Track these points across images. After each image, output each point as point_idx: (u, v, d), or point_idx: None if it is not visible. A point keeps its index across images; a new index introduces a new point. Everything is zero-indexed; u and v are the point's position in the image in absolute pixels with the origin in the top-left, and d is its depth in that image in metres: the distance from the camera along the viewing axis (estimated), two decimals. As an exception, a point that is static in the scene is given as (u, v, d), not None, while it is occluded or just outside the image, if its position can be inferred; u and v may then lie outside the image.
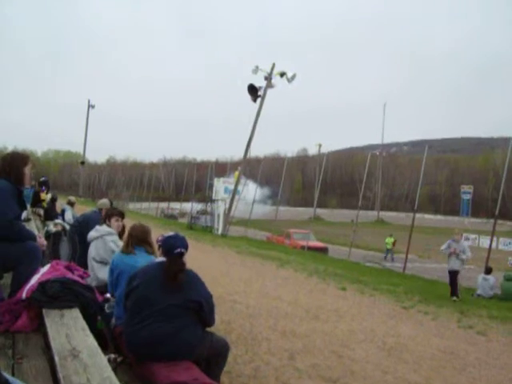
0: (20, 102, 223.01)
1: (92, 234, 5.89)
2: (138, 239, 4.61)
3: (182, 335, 3.45)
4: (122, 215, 6.26)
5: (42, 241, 4.59)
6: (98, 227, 5.98)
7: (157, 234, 4.86)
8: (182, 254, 3.67)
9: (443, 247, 12.98)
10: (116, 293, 4.38)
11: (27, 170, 4.34)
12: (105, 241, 5.75)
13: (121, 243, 5.76)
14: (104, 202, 7.88)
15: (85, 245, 6.49)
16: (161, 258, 3.79)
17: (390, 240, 28.35)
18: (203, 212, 34.98)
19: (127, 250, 4.56)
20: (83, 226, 7.40)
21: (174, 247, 3.69)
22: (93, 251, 5.81)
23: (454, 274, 12.66)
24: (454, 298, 12.24)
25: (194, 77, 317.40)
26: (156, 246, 4.08)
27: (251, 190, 34.14)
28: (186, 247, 3.73)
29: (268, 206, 52.86)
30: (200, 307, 3.59)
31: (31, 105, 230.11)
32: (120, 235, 6.17)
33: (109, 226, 5.97)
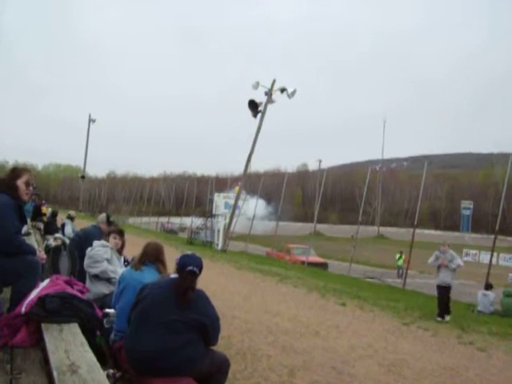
0: (20, 117, 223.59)
1: (89, 249, 5.95)
2: (151, 256, 4.63)
3: (184, 351, 3.45)
4: (120, 233, 6.29)
5: (41, 255, 4.60)
6: (94, 242, 6.05)
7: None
8: (193, 273, 3.69)
9: (430, 260, 12.02)
10: (118, 305, 4.38)
11: (20, 183, 4.37)
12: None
13: (108, 253, 5.81)
14: (101, 216, 7.91)
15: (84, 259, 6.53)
16: (174, 275, 3.81)
17: (401, 258, 27.85)
18: (203, 227, 34.95)
19: (136, 266, 4.58)
20: (83, 240, 7.41)
21: (186, 265, 3.71)
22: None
23: (444, 290, 11.63)
24: (439, 318, 11.09)
25: (195, 92, 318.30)
26: (172, 266, 4.08)
27: (253, 206, 34.14)
28: (199, 267, 3.74)
29: (272, 221, 52.84)
30: (204, 328, 3.60)
31: (31, 119, 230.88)
32: (119, 252, 6.20)
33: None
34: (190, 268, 3.68)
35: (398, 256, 28.32)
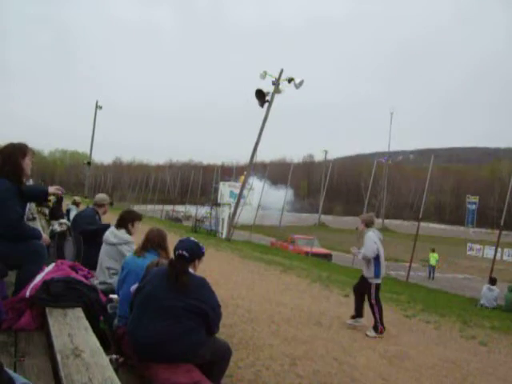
0: (28, 100, 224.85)
1: (111, 239, 5.67)
2: (154, 243, 4.64)
3: (186, 338, 3.46)
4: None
5: (45, 237, 4.59)
6: (116, 232, 5.72)
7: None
8: (181, 256, 3.68)
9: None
10: (121, 291, 4.40)
11: (28, 160, 4.29)
12: (120, 250, 5.58)
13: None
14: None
15: (88, 245, 6.55)
16: None
17: (434, 256, 25.73)
18: (208, 215, 34.99)
19: (139, 252, 4.59)
20: (74, 223, 7.49)
21: (175, 249, 3.72)
22: (105, 256, 5.64)
23: (362, 283, 8.81)
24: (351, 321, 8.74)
25: (203, 83, 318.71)
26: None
27: (269, 196, 34.02)
28: (188, 250, 3.71)
29: (289, 212, 52.52)
30: (205, 315, 3.60)
31: (40, 104, 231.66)
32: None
33: (130, 230, 5.79)
34: (177, 252, 3.69)
35: (431, 255, 26.07)
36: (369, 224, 8.87)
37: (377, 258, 8.51)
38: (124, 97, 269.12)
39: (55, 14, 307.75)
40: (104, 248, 5.72)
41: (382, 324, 8.31)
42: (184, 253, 3.67)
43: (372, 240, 8.52)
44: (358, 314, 8.81)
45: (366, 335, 8.19)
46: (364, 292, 8.70)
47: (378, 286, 8.59)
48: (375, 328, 8.29)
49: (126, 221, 5.79)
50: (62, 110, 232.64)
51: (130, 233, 5.72)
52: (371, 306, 8.48)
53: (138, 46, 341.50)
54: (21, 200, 4.22)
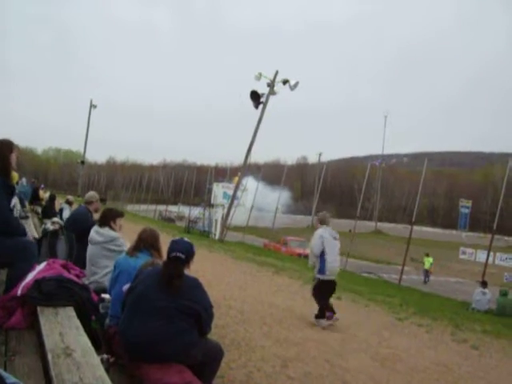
0: (28, 100, 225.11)
1: (97, 238, 5.68)
2: (146, 243, 4.61)
3: (178, 338, 3.44)
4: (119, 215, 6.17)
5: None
6: (101, 231, 5.74)
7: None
8: (177, 258, 3.65)
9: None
10: (113, 291, 4.37)
11: (14, 156, 4.28)
12: (108, 248, 5.61)
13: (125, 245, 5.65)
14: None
15: (80, 244, 6.50)
16: None
17: (428, 260, 26.28)
18: (201, 216, 34.97)
19: (131, 252, 4.56)
20: (71, 223, 7.45)
21: (170, 251, 3.67)
22: (94, 256, 5.63)
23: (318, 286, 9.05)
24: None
25: (200, 81, 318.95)
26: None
27: (263, 197, 33.98)
28: (184, 252, 3.67)
29: (286, 214, 52.27)
30: (197, 315, 3.58)
31: (39, 104, 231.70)
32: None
33: (113, 227, 5.84)
34: (173, 254, 3.63)
35: (425, 259, 26.58)
36: (322, 222, 9.30)
37: (322, 255, 8.83)
38: (121, 96, 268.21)
39: (55, 13, 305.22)
40: (90, 248, 5.72)
41: (327, 309, 8.84)
42: (180, 255, 3.65)
43: (319, 235, 8.94)
44: (330, 310, 8.98)
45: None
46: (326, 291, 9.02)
47: (320, 283, 8.94)
48: (318, 316, 8.79)
49: (108, 218, 5.87)
50: (61, 109, 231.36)
51: (113, 230, 5.75)
52: (313, 296, 9.08)
53: (137, 46, 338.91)
54: (8, 193, 4.21)
